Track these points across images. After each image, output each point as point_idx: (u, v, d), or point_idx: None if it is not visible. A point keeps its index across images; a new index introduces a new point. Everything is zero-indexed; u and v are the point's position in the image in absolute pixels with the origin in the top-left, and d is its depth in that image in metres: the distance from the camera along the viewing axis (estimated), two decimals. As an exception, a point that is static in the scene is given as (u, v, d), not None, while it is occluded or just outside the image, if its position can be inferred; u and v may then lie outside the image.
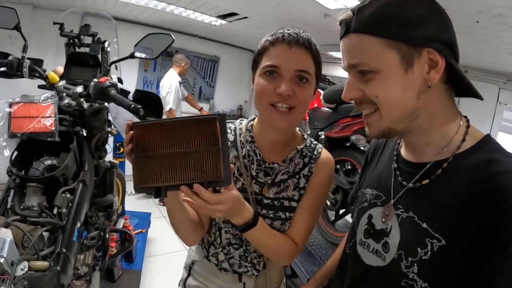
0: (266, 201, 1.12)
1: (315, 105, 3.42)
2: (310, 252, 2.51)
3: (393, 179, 0.88)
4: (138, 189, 0.81)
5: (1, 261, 1.11)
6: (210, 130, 0.80)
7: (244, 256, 1.18)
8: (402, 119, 0.75)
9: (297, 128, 1.20)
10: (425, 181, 0.78)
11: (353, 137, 2.48)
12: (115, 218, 2.31)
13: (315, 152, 1.17)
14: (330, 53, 4.35)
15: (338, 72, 5.09)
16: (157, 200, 4.62)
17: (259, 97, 1.01)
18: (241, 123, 1.21)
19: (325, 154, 1.18)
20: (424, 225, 0.73)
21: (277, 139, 1.10)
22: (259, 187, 1.13)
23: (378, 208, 0.89)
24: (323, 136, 2.84)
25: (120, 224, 2.89)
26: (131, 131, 0.82)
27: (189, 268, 1.30)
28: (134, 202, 3.98)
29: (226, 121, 1.16)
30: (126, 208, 3.08)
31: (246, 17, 3.84)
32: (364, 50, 0.73)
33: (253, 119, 1.20)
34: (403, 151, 0.90)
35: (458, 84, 0.80)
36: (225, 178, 0.80)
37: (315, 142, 1.21)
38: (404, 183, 0.83)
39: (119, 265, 2.73)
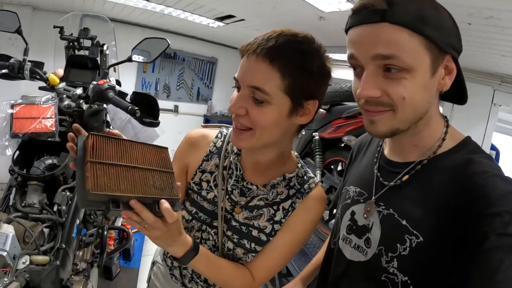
0: (234, 223, 1.00)
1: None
2: (304, 251, 2.58)
3: (375, 177, 0.88)
4: (90, 196, 0.66)
5: (4, 255, 1.17)
6: (162, 156, 0.81)
7: (198, 273, 1.06)
8: (412, 121, 0.74)
9: (295, 153, 1.08)
10: (405, 177, 0.79)
11: (345, 138, 2.54)
12: (113, 217, 2.37)
13: (306, 186, 1.01)
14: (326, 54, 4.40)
15: (334, 74, 5.14)
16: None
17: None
18: None
19: (317, 192, 1.02)
20: (404, 222, 0.75)
21: (258, 159, 1.00)
22: (231, 205, 1.01)
23: (361, 205, 0.89)
24: (317, 137, 2.90)
25: (118, 223, 2.94)
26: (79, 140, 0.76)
27: (151, 269, 1.25)
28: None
29: (222, 124, 1.15)
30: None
31: (243, 19, 3.87)
32: (403, 44, 0.67)
33: None
34: (386, 151, 0.90)
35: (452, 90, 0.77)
36: (179, 201, 0.77)
37: (311, 175, 1.05)
38: (386, 182, 0.83)
39: (117, 263, 2.78)
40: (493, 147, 4.09)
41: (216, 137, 1.09)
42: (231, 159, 1.03)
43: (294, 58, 0.82)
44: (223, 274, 0.96)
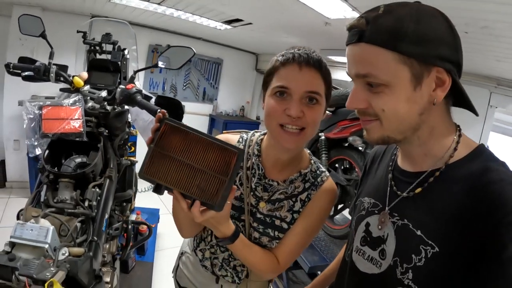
0: (259, 216, 1.13)
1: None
2: (311, 243, 2.68)
3: (389, 188, 0.88)
4: (142, 176, 0.83)
5: (46, 247, 1.26)
6: (226, 160, 0.81)
7: (228, 261, 1.19)
8: (403, 131, 0.75)
9: (308, 151, 1.22)
10: (418, 190, 0.79)
11: (350, 138, 2.65)
12: (129, 213, 2.48)
13: (319, 179, 1.15)
14: (330, 57, 4.47)
15: (338, 75, 5.22)
16: (163, 197, 4.72)
17: (269, 117, 1.02)
18: (254, 135, 1.22)
19: (329, 184, 1.16)
20: (418, 233, 0.74)
21: (282, 158, 1.11)
22: (255, 200, 1.13)
23: (375, 216, 0.89)
24: (323, 137, 2.99)
25: (133, 219, 3.05)
26: (159, 124, 0.85)
27: (179, 258, 1.36)
28: (143, 199, 4.14)
29: (242, 130, 1.26)
30: (136, 205, 3.23)
31: (250, 23, 3.95)
32: (376, 62, 0.70)
33: (264, 134, 1.20)
34: (399, 161, 0.90)
35: (457, 96, 0.79)
36: (218, 205, 0.82)
37: (322, 169, 1.19)
38: (399, 192, 0.84)
39: (132, 257, 2.89)
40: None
41: (238, 141, 1.22)
42: (253, 160, 1.15)
43: (327, 70, 1.02)
44: (255, 257, 1.09)
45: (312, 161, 1.19)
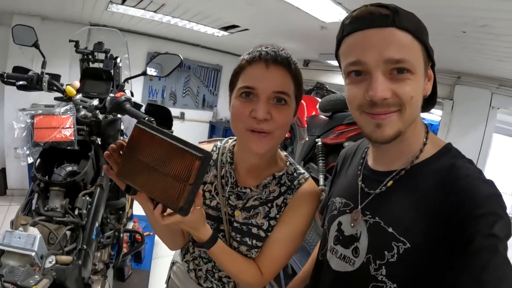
0: (236, 224, 1.07)
1: (313, 113, 3.58)
2: (308, 251, 2.66)
3: (360, 187, 0.89)
4: (117, 177, 0.85)
5: (33, 255, 1.28)
6: (188, 165, 0.77)
7: (212, 272, 1.13)
8: (411, 122, 0.77)
9: (284, 153, 1.15)
10: (390, 183, 0.81)
11: (346, 144, 2.62)
12: (125, 221, 2.48)
13: (295, 182, 1.08)
14: (329, 61, 4.49)
15: (336, 80, 5.25)
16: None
17: (235, 120, 0.97)
18: (227, 142, 1.18)
19: (307, 186, 1.08)
20: (390, 230, 0.76)
21: (255, 163, 1.06)
22: (231, 209, 1.08)
23: (347, 215, 0.90)
24: (320, 143, 2.98)
25: (130, 227, 3.05)
26: None
27: (170, 268, 1.31)
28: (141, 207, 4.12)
29: (217, 138, 1.22)
30: (134, 213, 3.23)
31: (247, 29, 3.99)
32: (411, 49, 0.72)
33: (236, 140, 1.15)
34: (370, 161, 0.91)
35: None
36: (183, 210, 0.79)
37: (301, 171, 1.12)
38: (371, 191, 0.85)
39: (129, 265, 2.88)
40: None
41: (212, 150, 1.16)
42: (226, 168, 1.10)
43: (297, 68, 0.97)
44: (236, 266, 1.03)
45: (288, 162, 1.12)
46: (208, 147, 1.18)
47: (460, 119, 3.83)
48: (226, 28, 4.16)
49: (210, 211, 1.09)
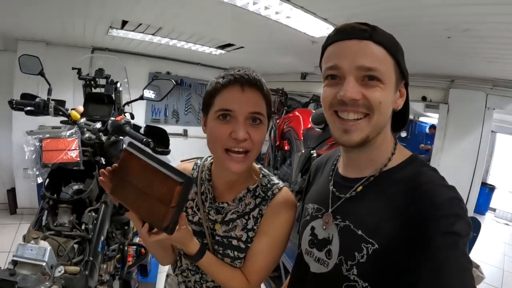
0: (217, 238, 1.12)
1: (309, 125, 3.69)
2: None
3: (331, 193, 0.95)
4: (111, 195, 0.93)
5: (43, 265, 1.41)
6: (169, 188, 0.80)
7: (200, 283, 1.18)
8: (380, 129, 0.83)
9: (258, 166, 1.21)
10: (359, 188, 0.87)
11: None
12: (131, 236, 2.60)
13: (269, 193, 1.12)
14: (322, 73, 4.59)
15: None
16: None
17: (214, 141, 1.01)
18: (206, 160, 1.23)
19: (282, 195, 1.12)
20: (359, 232, 0.81)
21: (232, 180, 1.11)
22: (211, 224, 1.13)
23: (319, 220, 0.95)
24: (315, 154, 3.09)
25: (136, 240, 3.16)
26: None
27: (165, 281, 1.36)
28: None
29: (198, 157, 1.29)
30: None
31: (242, 47, 4.12)
32: (383, 61, 0.80)
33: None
34: (341, 169, 0.97)
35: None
36: (168, 229, 0.84)
37: (275, 182, 1.16)
38: (342, 195, 0.91)
39: (135, 278, 2.97)
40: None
41: (193, 169, 1.23)
42: (205, 185, 1.16)
43: (267, 90, 1.04)
44: (224, 275, 1.09)
45: (261, 174, 1.17)
46: (189, 166, 1.25)
47: (457, 122, 3.85)
48: (222, 47, 4.29)
49: (193, 226, 1.15)
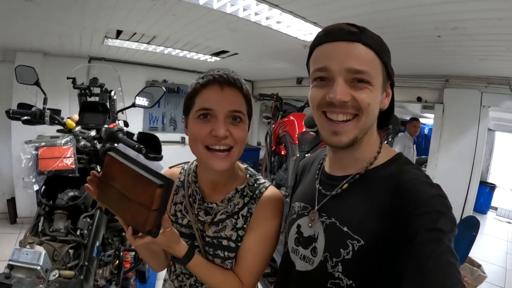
0: (207, 239, 1.12)
1: (304, 129, 3.71)
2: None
3: (317, 191, 0.96)
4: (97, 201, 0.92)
5: (38, 268, 1.45)
6: (150, 192, 0.80)
7: (195, 286, 1.18)
8: (367, 129, 0.85)
9: (244, 166, 1.22)
10: (345, 186, 0.88)
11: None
12: (128, 242, 2.62)
13: (257, 192, 1.14)
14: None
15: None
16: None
17: (195, 141, 1.01)
18: (192, 163, 1.24)
19: (269, 193, 1.14)
20: (345, 229, 0.82)
21: (216, 180, 1.12)
22: (201, 225, 1.14)
23: (305, 218, 0.96)
24: (309, 158, 3.10)
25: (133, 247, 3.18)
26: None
27: (163, 286, 1.34)
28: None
29: (185, 162, 1.30)
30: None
31: (236, 53, 4.18)
32: (371, 63, 0.80)
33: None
34: (327, 168, 0.98)
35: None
36: (152, 233, 0.85)
37: (262, 181, 1.18)
38: (328, 193, 0.92)
39: (133, 284, 2.99)
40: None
41: (180, 173, 1.26)
42: (192, 187, 1.18)
43: (247, 89, 1.06)
44: (217, 278, 1.09)
45: (248, 175, 1.19)
46: (176, 170, 1.28)
47: (452, 121, 3.88)
48: (217, 54, 4.34)
49: (183, 229, 1.16)
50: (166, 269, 1.37)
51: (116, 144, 2.15)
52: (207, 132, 0.99)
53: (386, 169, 0.85)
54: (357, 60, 0.79)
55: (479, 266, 3.03)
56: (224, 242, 1.11)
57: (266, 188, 1.15)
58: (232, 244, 1.11)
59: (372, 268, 0.76)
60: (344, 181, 0.89)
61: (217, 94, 0.99)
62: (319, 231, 0.90)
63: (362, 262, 0.78)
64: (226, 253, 1.11)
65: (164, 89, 1.91)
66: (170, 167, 1.32)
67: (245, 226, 1.11)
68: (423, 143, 8.32)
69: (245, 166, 1.23)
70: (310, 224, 0.93)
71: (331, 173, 0.96)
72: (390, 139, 4.39)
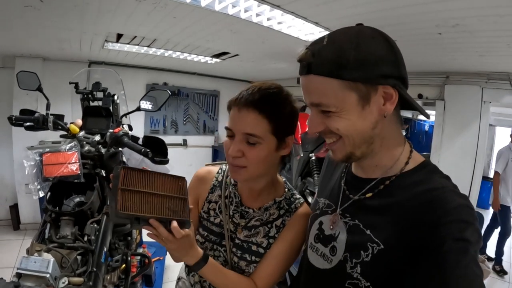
0: (237, 241, 1.17)
1: (306, 129, 3.70)
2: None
3: (342, 191, 0.96)
4: (118, 215, 0.87)
5: (47, 276, 1.43)
6: (179, 184, 0.99)
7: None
8: (361, 145, 0.82)
9: (283, 179, 1.27)
10: (369, 195, 0.87)
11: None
12: (134, 247, 2.62)
13: (293, 206, 1.19)
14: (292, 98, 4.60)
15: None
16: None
17: (225, 154, 1.09)
18: None
19: (303, 209, 1.19)
20: (368, 232, 0.82)
21: (255, 187, 1.18)
22: (233, 227, 1.19)
23: (328, 216, 0.97)
24: (313, 158, 3.10)
25: (139, 252, 3.17)
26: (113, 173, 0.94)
27: (176, 284, 1.38)
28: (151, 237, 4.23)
29: (222, 162, 1.33)
30: (143, 239, 3.35)
31: (237, 55, 4.16)
32: (325, 91, 0.77)
33: None
34: (353, 167, 0.98)
35: (405, 105, 0.85)
36: (188, 221, 0.95)
37: (297, 196, 1.23)
38: (351, 195, 0.92)
39: (140, 288, 3.01)
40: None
41: (217, 172, 1.30)
42: (230, 189, 1.23)
43: (275, 106, 1.03)
44: (228, 282, 1.11)
45: (287, 189, 1.24)
46: (214, 169, 1.32)
47: (454, 118, 3.88)
48: (217, 56, 4.33)
49: (214, 228, 1.22)
50: (181, 268, 1.40)
51: (121, 149, 2.15)
52: (228, 148, 1.07)
53: (413, 176, 0.83)
54: (312, 94, 0.80)
55: (483, 261, 3.02)
56: (254, 247, 1.16)
57: (301, 204, 1.21)
58: (261, 250, 1.16)
59: (391, 273, 0.76)
60: (368, 186, 0.89)
61: (235, 115, 1.05)
62: (341, 230, 0.90)
63: (380, 265, 0.78)
64: (253, 257, 1.16)
65: (169, 92, 1.90)
66: (207, 164, 1.37)
67: (276, 235, 1.17)
68: (423, 140, 8.31)
69: (284, 179, 1.28)
70: (331, 227, 0.94)
71: (356, 174, 0.96)
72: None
